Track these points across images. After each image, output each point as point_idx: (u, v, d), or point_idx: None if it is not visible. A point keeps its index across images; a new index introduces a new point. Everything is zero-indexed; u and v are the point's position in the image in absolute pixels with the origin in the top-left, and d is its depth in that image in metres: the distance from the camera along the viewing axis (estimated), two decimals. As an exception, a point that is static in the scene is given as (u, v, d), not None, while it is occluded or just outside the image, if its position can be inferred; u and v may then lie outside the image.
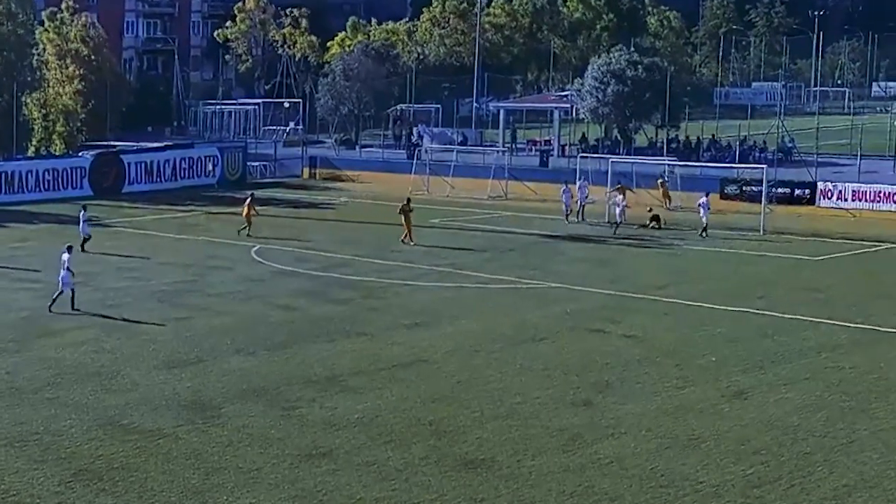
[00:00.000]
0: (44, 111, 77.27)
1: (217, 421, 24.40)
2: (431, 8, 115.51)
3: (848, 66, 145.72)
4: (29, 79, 76.77)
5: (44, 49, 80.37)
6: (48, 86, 78.75)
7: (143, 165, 69.80)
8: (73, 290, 35.07)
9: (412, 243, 48.54)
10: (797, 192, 62.31)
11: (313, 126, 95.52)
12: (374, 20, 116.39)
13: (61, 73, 79.91)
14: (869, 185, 60.95)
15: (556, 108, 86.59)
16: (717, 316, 35.34)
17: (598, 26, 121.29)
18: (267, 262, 44.78)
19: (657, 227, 54.44)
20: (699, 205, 53.40)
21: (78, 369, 28.33)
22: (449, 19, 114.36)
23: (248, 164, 76.71)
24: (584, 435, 23.68)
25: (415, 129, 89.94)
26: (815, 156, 68.94)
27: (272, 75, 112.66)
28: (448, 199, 65.87)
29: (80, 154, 69.87)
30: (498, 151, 75.44)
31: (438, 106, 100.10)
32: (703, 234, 52.04)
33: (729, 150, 76.73)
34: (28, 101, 75.87)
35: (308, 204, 64.53)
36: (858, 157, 66.15)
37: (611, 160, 62.68)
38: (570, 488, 20.80)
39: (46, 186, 64.91)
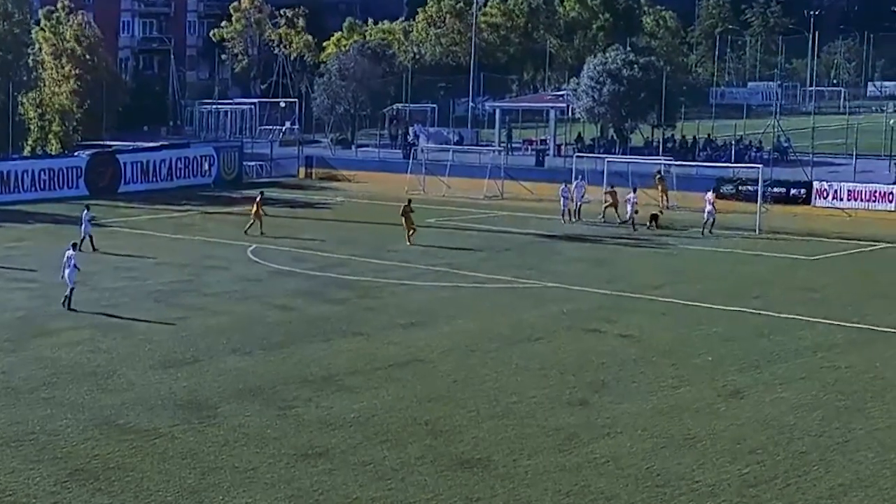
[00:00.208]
0: (40, 111, 77.25)
1: (213, 420, 24.42)
2: (427, 7, 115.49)
3: (843, 65, 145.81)
4: (25, 78, 76.78)
5: (40, 49, 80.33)
6: (44, 85, 78.74)
7: (139, 165, 69.78)
8: (71, 289, 35.07)
9: (409, 244, 48.57)
10: (793, 191, 62.37)
11: (309, 126, 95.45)
12: (370, 20, 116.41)
13: (57, 72, 79.89)
14: (864, 185, 60.99)
15: (552, 107, 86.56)
16: (714, 315, 35.39)
17: (594, 26, 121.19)
18: (263, 261, 44.79)
19: (655, 227, 54.37)
20: (707, 201, 53.79)
21: (74, 369, 28.34)
22: (445, 19, 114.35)
23: (245, 163, 76.71)
24: (581, 434, 23.71)
25: (411, 129, 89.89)
26: (811, 155, 68.99)
27: (268, 75, 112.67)
28: (444, 198, 65.89)
29: (76, 154, 69.88)
30: (494, 151, 75.40)
31: (434, 105, 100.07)
32: (710, 232, 52.28)
33: (725, 149, 76.69)
34: (24, 100, 75.86)
35: (304, 204, 64.53)
36: (854, 157, 66.20)
37: (607, 160, 62.73)
38: (566, 488, 20.83)
39: (42, 186, 64.91)
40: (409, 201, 51.22)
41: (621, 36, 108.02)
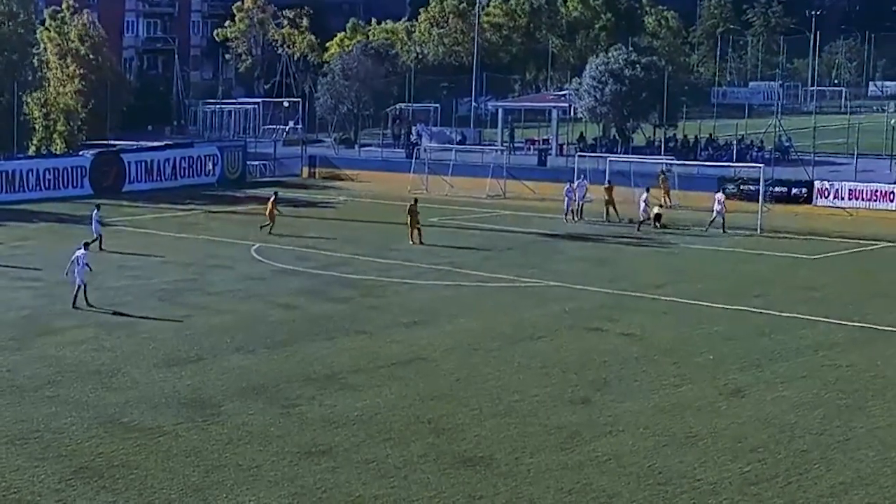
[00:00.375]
0: (44, 110, 77.32)
1: (217, 419, 24.52)
2: (430, 8, 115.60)
3: (845, 65, 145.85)
4: (30, 78, 76.79)
5: (45, 49, 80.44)
6: (49, 85, 78.81)
7: (143, 164, 69.92)
8: (79, 287, 35.19)
9: (411, 243, 48.68)
10: (794, 190, 62.47)
11: (312, 125, 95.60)
12: (373, 20, 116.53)
13: (62, 72, 79.98)
14: (865, 184, 61.05)
15: (554, 107, 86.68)
16: (715, 314, 35.49)
17: (596, 26, 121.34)
18: (267, 260, 44.90)
19: (658, 226, 54.44)
20: (717, 200, 54.04)
21: (78, 367, 28.45)
22: (448, 19, 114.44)
23: (248, 163, 76.83)
24: (582, 433, 23.80)
25: (413, 129, 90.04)
26: (812, 155, 69.05)
27: (272, 75, 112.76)
28: (447, 198, 65.97)
29: (80, 153, 69.98)
30: (496, 150, 75.53)
31: (437, 105, 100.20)
32: (724, 231, 52.50)
33: (726, 149, 76.80)
34: (29, 100, 75.94)
35: (307, 203, 64.61)
36: (855, 157, 66.23)
37: (609, 159, 62.88)
38: (569, 486, 20.92)
39: (47, 185, 65.02)
40: (416, 201, 51.38)
41: (623, 36, 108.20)
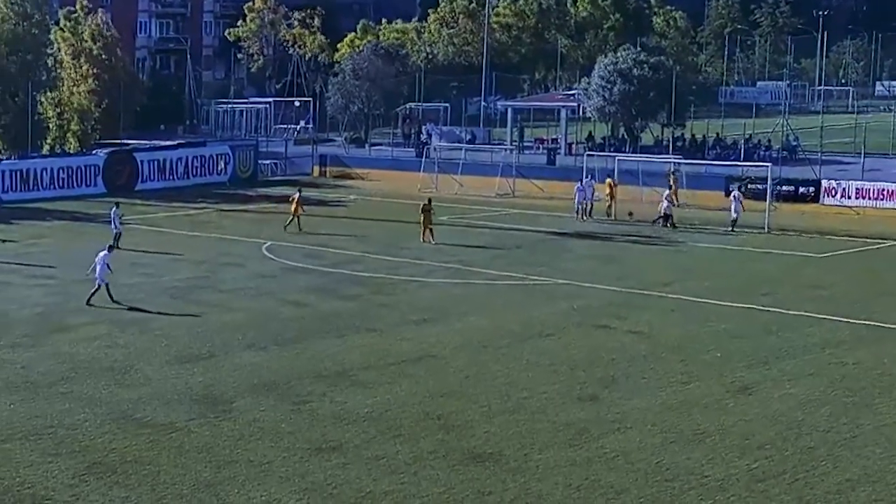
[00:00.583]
0: (58, 110, 77.56)
1: (228, 415, 24.71)
2: (440, 8, 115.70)
3: (852, 65, 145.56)
4: (44, 78, 77.07)
5: (59, 49, 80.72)
6: (63, 85, 79.05)
7: (155, 163, 70.23)
8: (99, 287, 35.45)
9: (423, 241, 48.87)
10: (801, 189, 62.54)
11: (323, 125, 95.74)
12: (383, 20, 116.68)
13: (76, 72, 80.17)
14: (872, 183, 61.11)
15: (563, 106, 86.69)
16: (723, 312, 35.62)
17: (604, 26, 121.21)
18: (278, 258, 45.12)
19: (666, 225, 54.56)
20: (733, 198, 54.22)
21: (91, 364, 28.66)
22: (457, 19, 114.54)
23: (260, 162, 77.12)
24: (591, 429, 23.96)
25: (423, 128, 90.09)
26: (820, 154, 68.98)
27: (283, 75, 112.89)
28: (456, 196, 66.12)
29: (94, 152, 70.29)
30: (506, 150, 75.68)
31: (447, 105, 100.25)
32: (732, 230, 52.68)
33: (734, 148, 76.84)
34: (43, 100, 76.19)
35: (318, 201, 64.66)
36: (862, 156, 66.25)
37: (617, 158, 63.07)
38: (577, 482, 21.07)
39: (61, 184, 65.34)
40: (430, 200, 51.62)
41: (632, 36, 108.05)
